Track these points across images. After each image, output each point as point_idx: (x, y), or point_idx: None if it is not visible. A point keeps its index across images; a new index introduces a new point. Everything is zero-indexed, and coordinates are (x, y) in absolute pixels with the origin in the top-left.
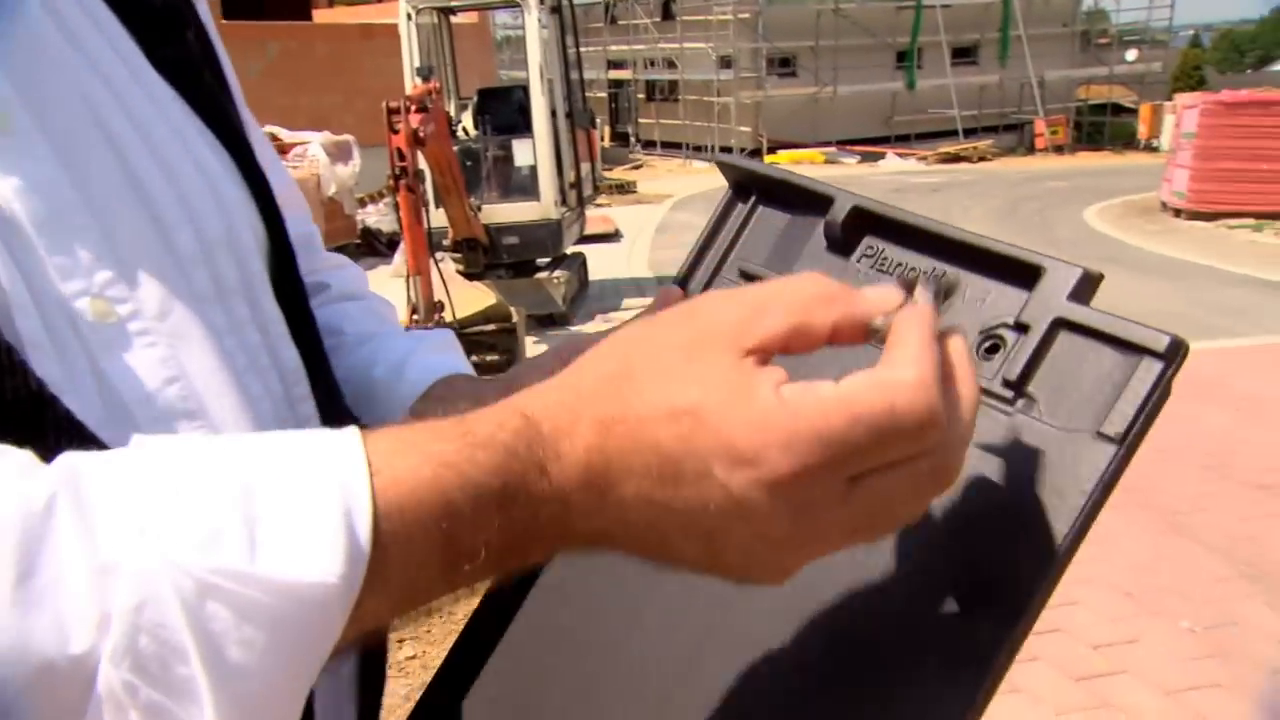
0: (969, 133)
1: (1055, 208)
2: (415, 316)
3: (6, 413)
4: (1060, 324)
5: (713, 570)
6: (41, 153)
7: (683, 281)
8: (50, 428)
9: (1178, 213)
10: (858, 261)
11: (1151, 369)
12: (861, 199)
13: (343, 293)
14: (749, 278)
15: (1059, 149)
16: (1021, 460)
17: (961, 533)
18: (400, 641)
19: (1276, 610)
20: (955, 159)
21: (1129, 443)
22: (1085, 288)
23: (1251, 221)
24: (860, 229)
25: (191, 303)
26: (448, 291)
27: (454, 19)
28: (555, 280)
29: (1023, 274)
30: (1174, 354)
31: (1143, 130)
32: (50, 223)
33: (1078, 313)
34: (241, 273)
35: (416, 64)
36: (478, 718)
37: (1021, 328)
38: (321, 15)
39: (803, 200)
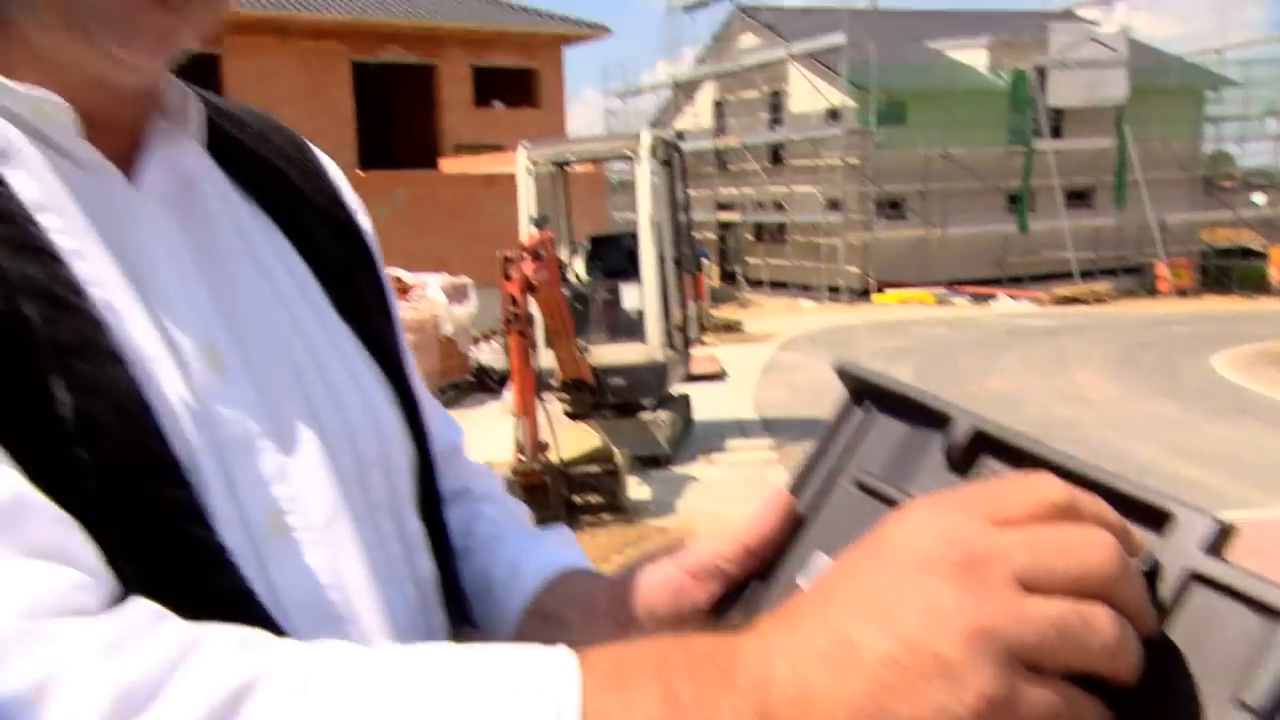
0: (1085, 275)
1: (1180, 354)
2: (521, 455)
3: (216, 607)
4: (1194, 578)
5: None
6: (243, 386)
7: (795, 489)
8: (248, 625)
9: None
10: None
11: None
12: (982, 420)
13: (483, 494)
14: (866, 490)
15: (1183, 292)
16: None
17: None
18: None
19: None
20: (1071, 301)
21: (1273, 717)
22: (1220, 540)
23: None
24: (979, 448)
25: (348, 517)
26: (553, 432)
27: (570, 169)
28: (659, 422)
29: (1149, 517)
30: None
31: (1274, 274)
32: (245, 446)
33: (1212, 568)
34: (390, 490)
35: (532, 213)
36: None
37: (1152, 574)
38: (447, 164)
39: (920, 414)
